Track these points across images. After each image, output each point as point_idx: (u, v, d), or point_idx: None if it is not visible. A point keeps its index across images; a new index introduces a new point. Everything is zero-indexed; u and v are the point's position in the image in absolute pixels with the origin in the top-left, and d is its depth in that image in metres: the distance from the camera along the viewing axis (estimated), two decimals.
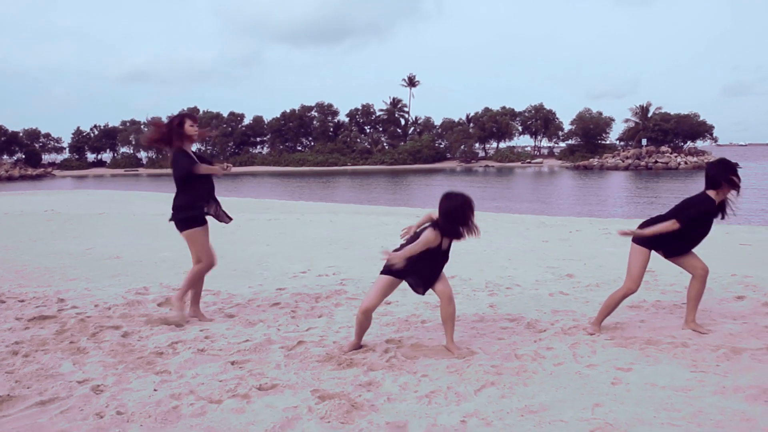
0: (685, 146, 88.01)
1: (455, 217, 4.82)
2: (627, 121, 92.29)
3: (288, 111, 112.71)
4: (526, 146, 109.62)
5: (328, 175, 75.51)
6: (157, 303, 6.99)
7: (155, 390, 4.30)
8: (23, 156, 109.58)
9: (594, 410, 3.80)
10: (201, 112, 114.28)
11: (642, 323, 5.81)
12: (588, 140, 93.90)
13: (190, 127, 6.21)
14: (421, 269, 5.01)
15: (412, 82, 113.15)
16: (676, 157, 77.39)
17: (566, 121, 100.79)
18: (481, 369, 4.58)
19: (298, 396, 4.13)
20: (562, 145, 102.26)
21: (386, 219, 17.01)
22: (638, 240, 5.44)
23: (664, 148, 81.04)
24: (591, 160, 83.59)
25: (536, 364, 4.72)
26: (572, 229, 13.59)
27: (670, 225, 5.20)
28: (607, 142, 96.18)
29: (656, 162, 74.94)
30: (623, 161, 77.77)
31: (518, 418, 3.73)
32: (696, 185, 38.80)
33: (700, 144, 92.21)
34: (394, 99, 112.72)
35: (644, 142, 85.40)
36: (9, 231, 14.83)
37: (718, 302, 6.57)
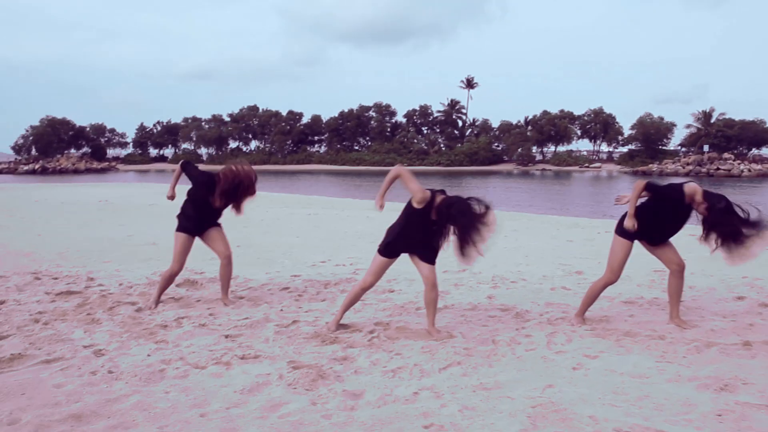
0: (749, 153, 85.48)
1: (464, 222, 4.94)
2: (689, 126, 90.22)
3: (346, 110, 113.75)
4: (585, 150, 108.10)
5: (384, 175, 75.93)
6: (176, 284, 7.41)
7: (149, 355, 4.70)
8: (89, 150, 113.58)
9: (545, 390, 4.01)
10: (260, 110, 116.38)
11: (630, 317, 5.95)
12: (648, 145, 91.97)
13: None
14: (415, 242, 5.26)
15: (470, 84, 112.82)
16: (739, 164, 75.27)
17: (626, 126, 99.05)
18: (452, 350, 4.83)
19: (275, 366, 4.46)
20: (622, 149, 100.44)
21: None
22: (620, 232, 5.59)
23: (726, 155, 78.92)
24: (650, 165, 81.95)
25: (508, 348, 4.94)
26: (602, 230, 13.59)
27: (639, 185, 5.37)
28: (669, 147, 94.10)
29: (718, 169, 73.06)
30: (683, 167, 76.07)
31: (469, 393, 3.97)
32: (759, 194, 37.79)
33: (766, 151, 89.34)
34: (452, 100, 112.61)
35: (706, 148, 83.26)
36: (62, 218, 15.65)
37: (716, 301, 6.64)
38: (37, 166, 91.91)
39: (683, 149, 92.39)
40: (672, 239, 5.67)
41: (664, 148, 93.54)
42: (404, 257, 5.51)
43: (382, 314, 6.06)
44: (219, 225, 6.67)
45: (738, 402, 3.81)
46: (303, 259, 9.47)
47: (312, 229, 13.84)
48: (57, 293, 6.83)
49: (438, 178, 68.85)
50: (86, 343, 5.03)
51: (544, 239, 12.08)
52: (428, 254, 5.35)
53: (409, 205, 5.20)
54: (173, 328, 5.50)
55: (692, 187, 5.32)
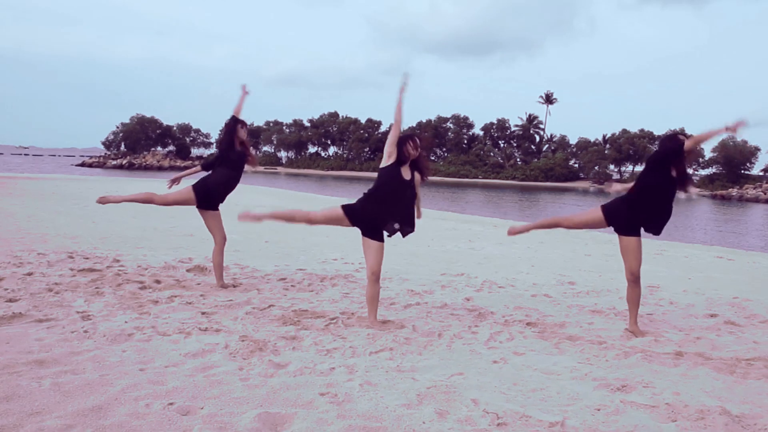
0: None
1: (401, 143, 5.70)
2: None
3: (424, 120, 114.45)
4: None
5: (458, 186, 76.12)
6: (186, 269, 8.12)
7: (126, 322, 5.37)
8: (174, 148, 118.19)
9: (451, 377, 4.44)
10: (340, 116, 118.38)
11: (588, 324, 6.24)
12: (730, 169, 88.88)
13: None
14: (393, 211, 5.76)
15: (549, 100, 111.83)
16: None
17: (708, 149, 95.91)
18: (392, 338, 5.30)
19: (228, 338, 5.05)
20: (702, 172, 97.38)
21: (461, 226, 17.65)
22: (624, 230, 5.91)
23: None
24: (730, 190, 79.18)
25: (447, 341, 5.37)
26: None
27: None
28: (752, 172, 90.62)
29: None
30: (765, 193, 73.12)
31: (382, 373, 4.44)
32: None
33: None
34: (530, 115, 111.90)
35: None
36: (120, 209, 16.75)
37: (686, 317, 6.83)
38: (124, 162, 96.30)
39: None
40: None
41: (747, 172, 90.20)
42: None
43: (355, 306, 6.57)
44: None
45: (624, 401, 4.12)
46: (318, 256, 10.06)
47: (345, 231, 14.41)
48: (79, 270, 7.63)
49: (513, 192, 68.58)
50: (80, 309, 5.74)
51: (563, 252, 12.31)
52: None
53: None
54: (162, 304, 6.16)
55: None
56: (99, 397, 3.67)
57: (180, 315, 5.76)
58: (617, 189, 6.39)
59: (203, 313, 5.86)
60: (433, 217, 21.78)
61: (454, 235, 14.86)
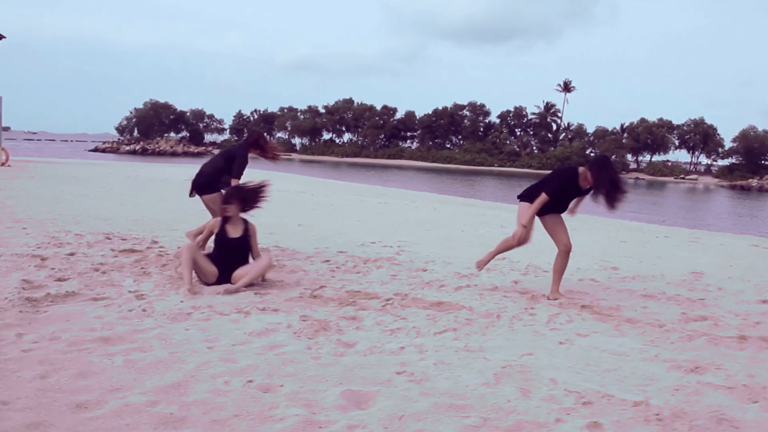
0: None
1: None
2: None
3: (440, 108, 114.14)
4: (684, 162, 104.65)
5: (474, 174, 75.91)
6: None
7: (181, 302, 5.32)
8: (188, 134, 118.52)
9: (522, 357, 4.36)
10: (355, 103, 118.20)
11: (642, 308, 6.12)
12: (750, 160, 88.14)
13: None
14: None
15: (567, 88, 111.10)
16: None
17: (728, 138, 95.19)
18: (453, 319, 5.23)
19: (288, 318, 4.98)
20: (722, 162, 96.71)
21: (489, 212, 17.53)
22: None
23: None
24: (750, 180, 78.52)
25: (507, 322, 5.29)
26: (660, 235, 13.53)
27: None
28: None
29: None
30: None
31: (452, 352, 4.37)
32: None
33: None
34: (547, 103, 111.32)
35: None
36: (146, 192, 16.80)
37: (738, 302, 6.68)
38: (137, 147, 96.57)
39: None
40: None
41: (767, 163, 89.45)
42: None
43: (406, 288, 6.48)
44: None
45: (700, 382, 4.04)
46: (355, 239, 9.98)
47: (375, 215, 14.38)
48: (121, 250, 7.59)
49: (528, 180, 68.17)
50: (132, 289, 5.70)
51: (598, 238, 12.17)
52: None
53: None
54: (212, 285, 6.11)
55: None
56: (175, 374, 3.61)
57: (233, 296, 5.69)
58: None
59: (256, 293, 5.80)
60: (458, 203, 21.68)
61: (484, 220, 14.75)
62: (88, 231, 8.89)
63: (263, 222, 8.14)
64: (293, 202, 16.40)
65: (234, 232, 6.26)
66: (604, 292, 6.85)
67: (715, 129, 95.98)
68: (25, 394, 3.24)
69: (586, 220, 16.93)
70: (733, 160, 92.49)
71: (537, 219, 6.39)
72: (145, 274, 6.39)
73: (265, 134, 8.23)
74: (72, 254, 7.14)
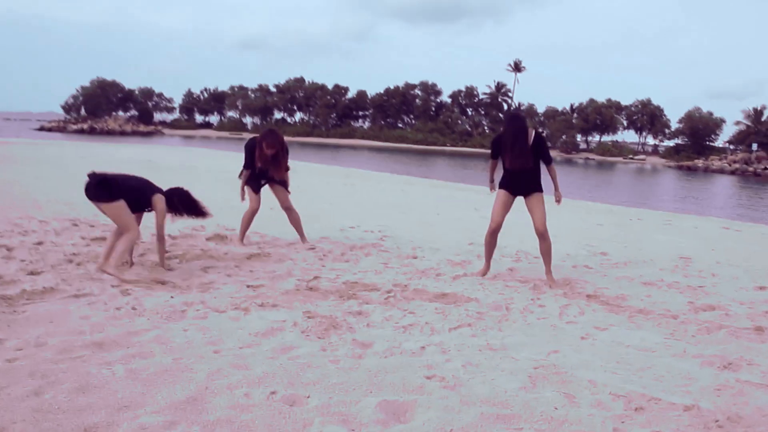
0: None
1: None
2: (738, 123, 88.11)
3: (392, 87, 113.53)
4: (631, 142, 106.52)
5: (426, 154, 75.69)
6: (206, 238, 7.64)
7: (172, 297, 4.91)
8: (137, 113, 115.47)
9: (549, 354, 4.11)
10: (307, 82, 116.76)
11: (647, 297, 5.97)
12: (695, 141, 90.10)
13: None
14: None
15: (517, 68, 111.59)
16: None
17: (674, 119, 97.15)
18: (465, 313, 4.94)
19: (291, 314, 4.63)
20: (668, 143, 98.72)
21: (457, 194, 17.33)
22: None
23: None
24: (696, 161, 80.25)
25: (520, 315, 5.03)
26: (633, 217, 13.51)
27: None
28: (716, 144, 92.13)
29: (765, 168, 71.09)
30: (729, 165, 74.17)
31: (475, 351, 4.08)
32: None
33: None
34: (498, 83, 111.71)
35: (755, 147, 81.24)
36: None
37: (737, 289, 6.60)
38: (85, 126, 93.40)
39: (731, 147, 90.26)
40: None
41: (711, 144, 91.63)
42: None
43: (403, 277, 6.18)
44: None
45: (739, 380, 3.85)
46: (333, 223, 9.62)
47: (345, 198, 14.02)
48: (92, 238, 7.11)
49: (480, 159, 68.50)
50: (115, 282, 5.25)
51: (573, 221, 12.06)
52: None
53: None
54: (198, 277, 5.70)
55: None
56: (186, 386, 3.24)
57: (226, 289, 5.31)
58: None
59: (249, 286, 5.42)
60: (425, 185, 21.42)
61: (456, 203, 14.54)
62: (52, 217, 8.33)
63: (235, 207, 7.73)
64: None
65: None
66: (603, 280, 6.67)
67: (662, 110, 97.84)
68: (21, 416, 2.83)
69: (549, 200, 16.87)
70: (679, 141, 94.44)
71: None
72: (124, 263, 5.94)
73: (265, 142, 7.59)
74: (40, 243, 6.63)
